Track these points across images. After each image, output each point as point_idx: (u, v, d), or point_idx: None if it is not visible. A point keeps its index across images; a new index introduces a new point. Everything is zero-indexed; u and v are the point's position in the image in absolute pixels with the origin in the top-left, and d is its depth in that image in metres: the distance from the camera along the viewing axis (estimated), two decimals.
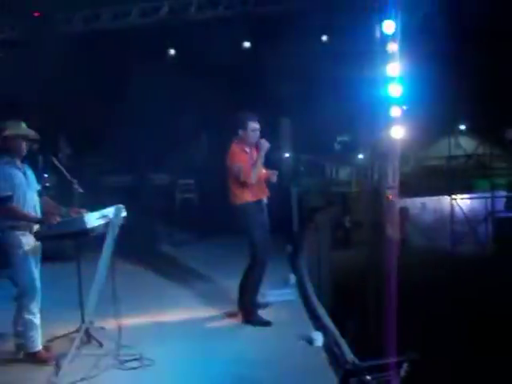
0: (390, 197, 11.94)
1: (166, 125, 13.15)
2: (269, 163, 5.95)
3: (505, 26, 16.18)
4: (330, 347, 5.08)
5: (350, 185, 19.75)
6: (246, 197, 5.69)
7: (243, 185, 5.64)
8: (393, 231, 11.13)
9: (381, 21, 10.82)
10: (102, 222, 4.90)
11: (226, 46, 12.25)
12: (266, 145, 5.68)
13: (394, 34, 10.82)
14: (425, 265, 15.33)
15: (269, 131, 6.04)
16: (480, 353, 9.87)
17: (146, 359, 4.75)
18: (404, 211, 17.30)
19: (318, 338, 5.11)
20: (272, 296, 6.45)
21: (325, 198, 16.15)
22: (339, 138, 21.78)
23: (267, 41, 13.11)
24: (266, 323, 5.66)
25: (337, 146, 21.95)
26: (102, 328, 5.37)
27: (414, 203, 19.02)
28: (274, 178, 5.88)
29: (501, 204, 19.75)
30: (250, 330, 5.66)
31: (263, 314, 5.83)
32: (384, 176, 11.77)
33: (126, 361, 4.73)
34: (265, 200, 5.92)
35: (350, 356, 4.85)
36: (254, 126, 5.74)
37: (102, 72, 12.86)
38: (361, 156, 18.42)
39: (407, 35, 10.97)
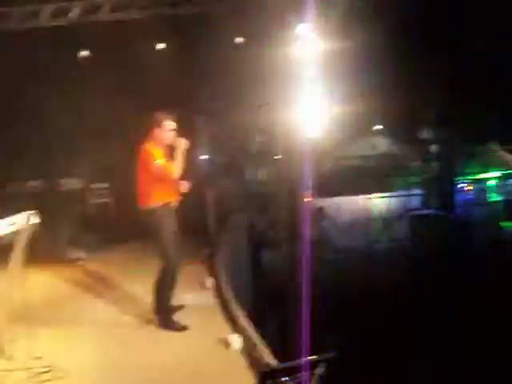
0: (307, 197, 12.33)
1: (75, 127, 12.94)
2: (185, 164, 5.91)
3: (410, 24, 17.11)
4: (248, 350, 5.11)
5: (268, 185, 20.09)
6: (158, 199, 5.64)
7: (157, 186, 5.60)
8: (309, 231, 11.49)
9: (296, 23, 11.17)
10: (11, 229, 4.73)
11: (140, 47, 12.22)
12: (184, 143, 5.67)
13: (309, 36, 11.20)
14: (342, 263, 15.97)
15: (184, 131, 6.04)
16: (398, 349, 10.44)
17: (59, 370, 4.64)
18: (320, 211, 17.83)
19: (236, 341, 5.13)
20: (189, 300, 6.46)
21: (242, 199, 16.37)
22: (258, 139, 22.09)
23: (182, 41, 13.21)
24: (182, 328, 5.64)
25: (255, 147, 22.24)
26: (13, 340, 5.23)
27: (331, 203, 19.61)
28: (185, 189, 5.91)
29: (416, 202, 20.74)
30: (165, 334, 5.63)
31: (179, 318, 5.81)
32: (300, 176, 12.12)
33: (38, 373, 4.59)
34: (176, 203, 5.88)
35: (268, 358, 4.88)
36: (170, 125, 5.73)
37: (9, 73, 12.50)
38: (278, 156, 18.79)
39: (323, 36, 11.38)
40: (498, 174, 26.40)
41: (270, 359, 4.88)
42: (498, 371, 9.53)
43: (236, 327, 5.76)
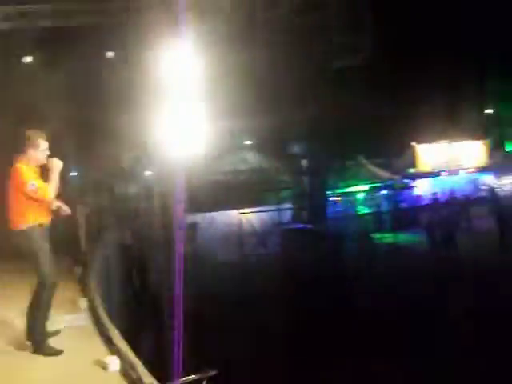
0: (179, 212, 12.53)
1: None
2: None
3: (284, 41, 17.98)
4: (126, 371, 5.10)
5: (140, 201, 20.08)
6: (31, 220, 5.57)
7: (30, 207, 5.53)
8: (181, 246, 11.70)
9: (175, 37, 11.38)
10: None
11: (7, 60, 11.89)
12: (58, 164, 5.66)
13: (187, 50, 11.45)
14: (215, 277, 16.39)
15: (55, 148, 6.02)
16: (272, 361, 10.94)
17: None
18: (193, 226, 18.07)
19: (114, 363, 5.13)
20: (63, 322, 6.38)
21: (113, 216, 16.25)
22: (129, 154, 21.99)
23: (50, 54, 12.97)
24: (58, 352, 5.56)
25: (127, 162, 22.11)
26: None
27: (203, 218, 19.94)
28: (65, 212, 5.91)
29: (287, 216, 21.57)
30: (41, 360, 5.52)
31: (55, 342, 5.73)
32: (173, 192, 12.32)
33: None
34: (48, 222, 5.82)
35: (147, 378, 4.91)
36: (43, 144, 5.69)
37: None
38: (149, 172, 18.88)
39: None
40: (366, 187, 28.16)
41: (148, 379, 4.91)
42: None
43: (113, 348, 5.73)
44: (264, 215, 20.52)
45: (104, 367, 5.14)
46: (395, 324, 12.74)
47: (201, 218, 19.92)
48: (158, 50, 11.52)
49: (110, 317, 7.05)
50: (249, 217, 19.65)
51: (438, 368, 10.63)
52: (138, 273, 14.76)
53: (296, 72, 19.86)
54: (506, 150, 42.93)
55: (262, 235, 19.29)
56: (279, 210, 20.17)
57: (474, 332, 12.17)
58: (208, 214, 20.53)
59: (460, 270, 19.12)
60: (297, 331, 11.98)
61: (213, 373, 4.92)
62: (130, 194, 21.21)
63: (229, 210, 20.53)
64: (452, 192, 28.13)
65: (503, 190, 32.30)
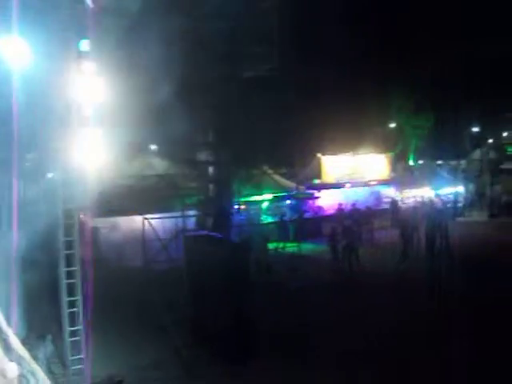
0: (82, 217, 12.79)
1: None
2: None
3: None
4: (25, 377, 5.33)
5: (39, 205, 19.89)
6: None
7: None
8: (85, 251, 12.03)
9: (78, 39, 11.73)
10: None
11: None
12: None
13: (90, 53, 11.82)
14: (119, 282, 16.76)
15: None
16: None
17: None
18: (96, 231, 18.20)
19: (12, 370, 5.23)
20: None
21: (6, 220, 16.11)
22: (29, 155, 21.66)
23: None
24: None
25: (26, 163, 21.76)
26: None
27: (107, 223, 20.10)
28: None
29: (192, 223, 22.03)
30: None
31: None
32: (75, 196, 12.58)
33: None
34: None
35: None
36: None
37: None
38: (51, 175, 18.75)
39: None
40: (270, 196, 29.11)
41: None
42: None
43: (11, 355, 5.73)
44: (168, 221, 20.90)
45: (3, 374, 5.20)
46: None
47: (104, 222, 20.07)
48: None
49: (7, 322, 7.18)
50: (153, 222, 19.98)
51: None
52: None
53: (203, 80, 20.44)
54: (409, 163, 45.52)
55: (164, 241, 19.66)
56: (184, 216, 20.58)
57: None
58: (112, 219, 20.68)
59: (356, 281, 20.48)
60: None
61: (119, 379, 5.17)
62: (28, 198, 20.93)
63: (133, 215, 20.74)
64: (355, 203, 29.60)
65: (404, 202, 34.25)
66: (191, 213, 21.66)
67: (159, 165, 26.54)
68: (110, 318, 14.26)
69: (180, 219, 20.28)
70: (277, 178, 30.98)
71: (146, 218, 19.79)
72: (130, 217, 21.04)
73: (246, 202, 27.41)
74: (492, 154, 62.97)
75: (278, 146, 27.82)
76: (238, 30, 20.93)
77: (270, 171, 30.52)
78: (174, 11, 18.78)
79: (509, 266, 20.30)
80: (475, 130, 54.97)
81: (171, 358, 13.19)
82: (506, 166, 60.84)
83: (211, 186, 22.86)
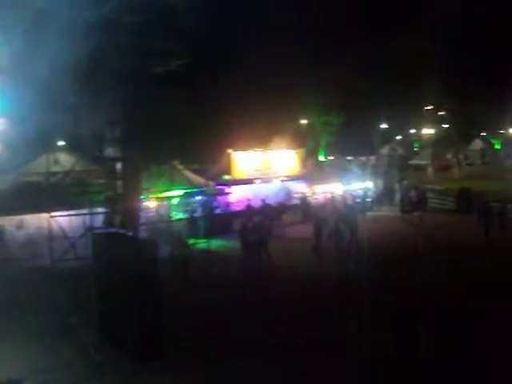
0: None
1: None
2: None
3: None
4: None
5: None
6: None
7: None
8: None
9: None
10: None
11: None
12: None
13: None
14: (25, 281, 16.79)
15: None
16: None
17: None
18: (1, 230, 18.10)
19: None
20: None
21: None
22: None
23: None
24: None
25: None
26: None
27: (11, 221, 19.89)
28: None
29: (99, 220, 22.07)
30: None
31: None
32: None
33: None
34: None
35: None
36: None
37: None
38: None
39: None
40: (181, 192, 29.46)
41: None
42: None
43: None
44: (76, 219, 20.87)
45: None
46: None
47: (9, 220, 19.86)
48: None
49: None
50: (60, 220, 19.91)
51: None
52: None
53: (112, 74, 20.60)
54: (320, 158, 47.03)
55: (72, 239, 19.66)
56: (92, 213, 20.59)
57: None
58: (17, 217, 20.45)
59: (266, 276, 21.25)
60: None
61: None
62: None
63: (40, 212, 20.62)
64: (265, 199, 30.47)
65: (314, 197, 35.49)
66: (99, 210, 21.71)
67: (66, 161, 26.36)
68: (15, 321, 14.40)
69: (87, 216, 20.29)
70: (187, 173, 31.38)
71: (52, 216, 19.70)
72: (37, 214, 20.91)
73: (155, 199, 27.68)
74: (400, 150, 66.05)
75: (188, 141, 28.25)
76: (147, 25, 21.17)
77: (180, 167, 30.90)
78: (81, 4, 18.87)
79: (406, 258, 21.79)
80: (384, 126, 57.52)
81: (80, 359, 13.39)
82: (413, 161, 63.99)
83: (119, 183, 22.95)
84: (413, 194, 34.91)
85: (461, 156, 71.94)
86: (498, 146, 78.81)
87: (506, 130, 78.26)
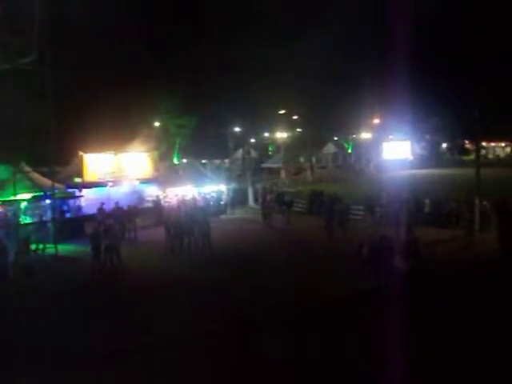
0: None
1: None
2: None
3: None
4: None
5: None
6: None
7: None
8: None
9: None
10: None
11: None
12: None
13: None
14: None
15: None
16: None
17: None
18: None
19: None
20: None
21: None
22: None
23: None
24: None
25: None
26: None
27: None
28: None
29: None
30: None
31: None
32: None
33: None
34: None
35: None
36: None
37: None
38: None
39: None
40: (29, 195, 29.30)
41: None
42: None
43: None
44: None
45: None
46: None
47: None
48: None
49: None
50: None
51: None
52: None
53: None
54: (174, 161, 48.20)
55: None
56: None
57: None
58: None
59: (117, 280, 21.85)
60: None
61: None
62: None
63: None
64: (117, 202, 31.14)
65: (168, 201, 36.58)
66: None
67: None
68: None
69: None
70: (36, 176, 31.17)
71: None
72: None
73: (3, 202, 27.54)
74: (254, 154, 68.81)
75: (37, 143, 28.27)
76: None
77: (28, 169, 30.76)
78: None
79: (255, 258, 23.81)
80: (238, 130, 59.71)
81: None
82: (267, 164, 67.01)
83: None
84: (269, 197, 36.53)
85: (314, 159, 76.34)
86: (350, 150, 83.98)
87: (357, 134, 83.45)
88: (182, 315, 16.47)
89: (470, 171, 34.22)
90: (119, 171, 36.95)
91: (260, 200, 40.06)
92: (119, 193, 35.15)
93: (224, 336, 14.75)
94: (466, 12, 43.39)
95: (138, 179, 37.70)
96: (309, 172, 66.65)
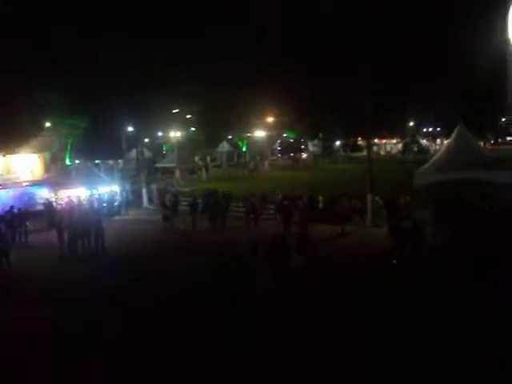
0: None
1: None
2: None
3: None
4: None
5: None
6: None
7: None
8: None
9: None
10: None
11: None
12: None
13: None
14: None
15: None
16: None
17: None
18: None
19: None
20: None
21: None
22: None
23: None
24: None
25: None
26: None
27: None
28: None
29: None
30: None
31: None
32: None
33: None
34: None
35: None
36: None
37: None
38: None
39: None
40: None
41: None
42: None
43: None
44: None
45: None
46: None
47: None
48: None
49: None
50: None
51: None
52: None
53: None
54: (66, 163, 47.61)
55: None
56: None
57: None
58: None
59: (13, 285, 21.51)
60: None
61: None
62: None
63: None
64: (7, 205, 30.69)
65: (60, 203, 36.26)
66: None
67: None
68: None
69: None
70: None
71: None
72: None
73: None
74: (147, 153, 68.80)
75: None
76: None
77: None
78: None
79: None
80: (131, 130, 59.66)
81: None
82: (161, 164, 67.23)
83: None
84: (168, 198, 36.76)
85: (208, 158, 77.18)
86: (244, 149, 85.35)
87: (251, 133, 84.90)
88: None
89: (360, 166, 35.53)
90: (8, 173, 36.32)
91: (158, 201, 40.20)
92: (8, 196, 34.56)
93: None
94: None
95: (28, 181, 37.10)
96: (203, 171, 67.46)
